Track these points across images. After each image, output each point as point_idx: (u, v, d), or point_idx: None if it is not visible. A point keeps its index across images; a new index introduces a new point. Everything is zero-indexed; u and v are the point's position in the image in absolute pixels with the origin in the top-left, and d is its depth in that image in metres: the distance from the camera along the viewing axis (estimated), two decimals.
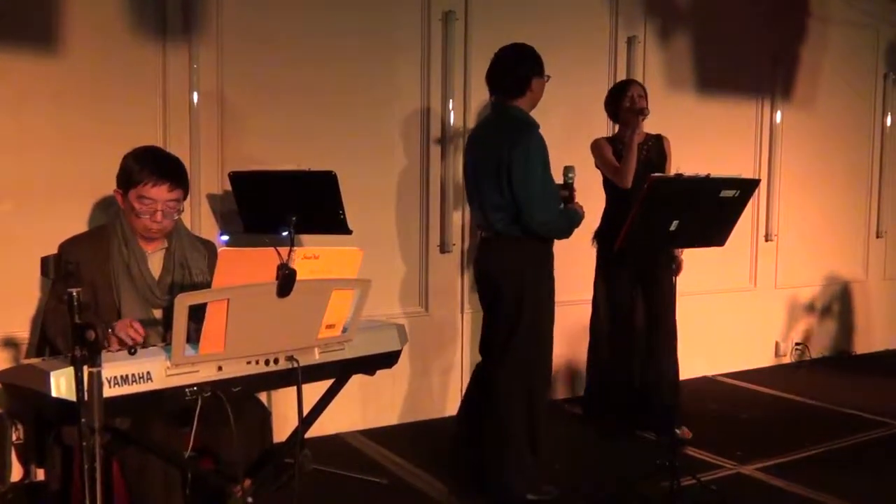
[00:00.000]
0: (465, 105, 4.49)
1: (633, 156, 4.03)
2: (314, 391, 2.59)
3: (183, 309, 2.04)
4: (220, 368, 2.21)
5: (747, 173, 5.42)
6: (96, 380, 1.86)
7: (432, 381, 4.54)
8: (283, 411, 3.41)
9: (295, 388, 2.34)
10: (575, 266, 4.22)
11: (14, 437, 3.33)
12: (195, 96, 3.78)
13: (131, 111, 3.63)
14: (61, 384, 1.97)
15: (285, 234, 3.24)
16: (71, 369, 1.88)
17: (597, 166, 4.22)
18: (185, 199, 2.68)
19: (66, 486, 2.53)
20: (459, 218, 4.54)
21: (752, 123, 5.73)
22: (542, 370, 3.44)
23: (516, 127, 3.32)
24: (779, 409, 4.92)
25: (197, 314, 2.09)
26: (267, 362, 2.30)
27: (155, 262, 2.68)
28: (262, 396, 3.12)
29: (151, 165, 2.58)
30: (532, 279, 3.35)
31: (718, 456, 3.97)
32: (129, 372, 2.07)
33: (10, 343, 3.43)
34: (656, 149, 4.24)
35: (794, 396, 5.14)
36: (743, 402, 5.00)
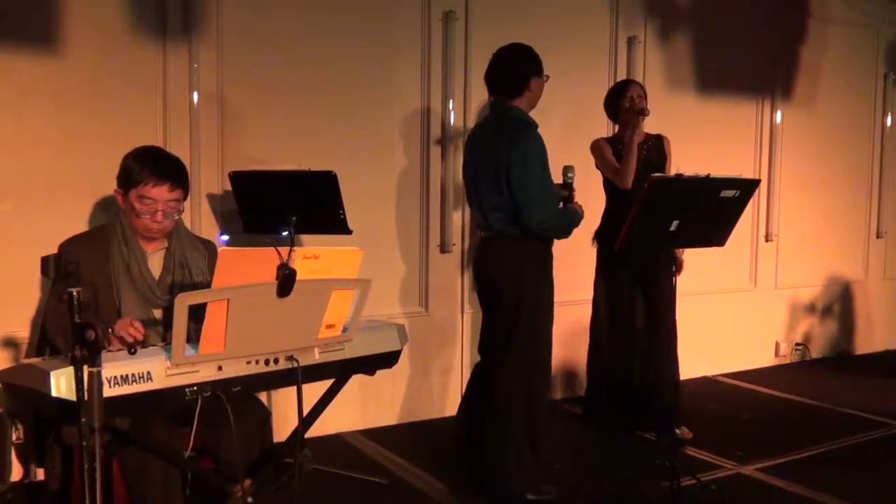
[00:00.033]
0: (466, 105, 4.49)
1: (633, 156, 4.03)
2: (314, 391, 2.59)
3: (183, 309, 2.04)
4: (220, 368, 2.21)
5: (747, 173, 5.42)
6: (96, 379, 1.86)
7: (432, 381, 4.54)
8: (283, 411, 3.41)
9: (295, 388, 2.34)
10: (575, 266, 4.23)
11: (14, 437, 3.33)
12: (195, 96, 3.78)
13: (131, 111, 3.64)
14: (61, 384, 1.97)
15: (285, 234, 3.24)
16: (71, 369, 1.88)
17: (597, 167, 4.22)
18: (185, 199, 2.68)
19: (66, 485, 2.53)
20: (459, 218, 4.54)
21: (752, 123, 5.73)
22: (542, 370, 3.44)
23: (515, 127, 3.32)
24: (779, 410, 4.92)
25: (197, 314, 2.09)
26: (267, 362, 2.30)
27: (155, 262, 2.68)
28: (262, 396, 3.12)
29: (152, 165, 2.58)
30: (531, 279, 3.35)
31: (718, 456, 3.97)
32: (129, 372, 2.07)
33: (10, 343, 3.43)
34: (656, 149, 4.24)
35: (795, 396, 5.14)
36: (743, 402, 5.00)
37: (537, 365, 3.40)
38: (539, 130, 3.32)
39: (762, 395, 5.20)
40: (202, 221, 3.81)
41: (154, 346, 2.35)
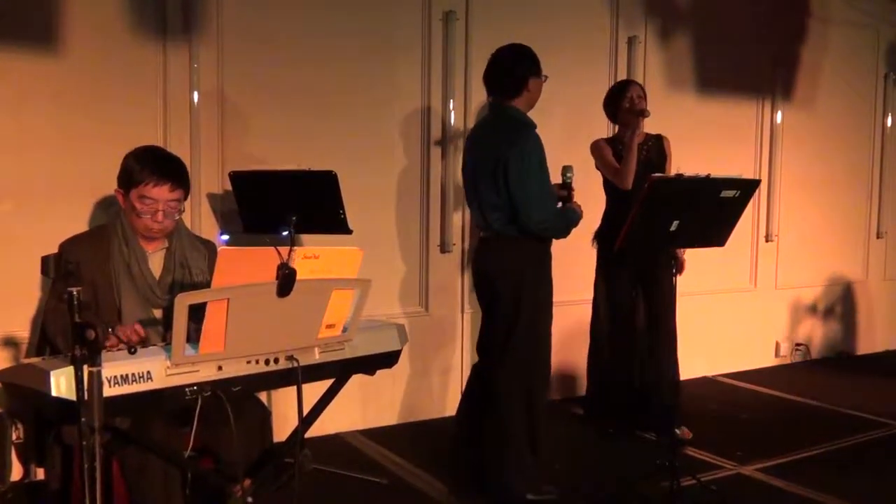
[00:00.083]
0: (466, 105, 4.49)
1: (632, 157, 4.03)
2: (314, 391, 2.59)
3: (183, 308, 2.04)
4: (220, 368, 2.21)
5: (747, 174, 5.42)
6: (96, 379, 1.86)
7: (432, 381, 4.54)
8: (283, 411, 3.41)
9: (295, 387, 2.34)
10: (575, 266, 4.23)
11: (14, 437, 3.33)
12: (195, 96, 3.78)
13: (131, 111, 3.64)
14: (61, 383, 1.97)
15: (285, 233, 3.24)
16: (71, 369, 1.88)
17: (597, 167, 4.22)
18: (186, 199, 2.68)
19: (66, 485, 2.52)
20: (459, 218, 4.54)
21: (752, 124, 5.73)
22: (542, 370, 3.44)
23: (513, 127, 3.32)
24: (779, 410, 4.92)
25: (197, 314, 2.09)
26: (267, 362, 2.30)
27: (155, 262, 2.68)
28: (262, 396, 3.12)
29: (153, 165, 2.58)
30: (530, 279, 3.35)
31: (718, 456, 3.97)
32: (129, 371, 2.07)
33: (10, 343, 3.43)
34: (656, 149, 4.24)
35: (795, 397, 5.14)
36: (743, 403, 5.00)
37: (537, 365, 3.40)
38: (539, 130, 3.32)
39: (762, 396, 5.20)
40: (202, 221, 3.81)
41: (154, 345, 2.35)
